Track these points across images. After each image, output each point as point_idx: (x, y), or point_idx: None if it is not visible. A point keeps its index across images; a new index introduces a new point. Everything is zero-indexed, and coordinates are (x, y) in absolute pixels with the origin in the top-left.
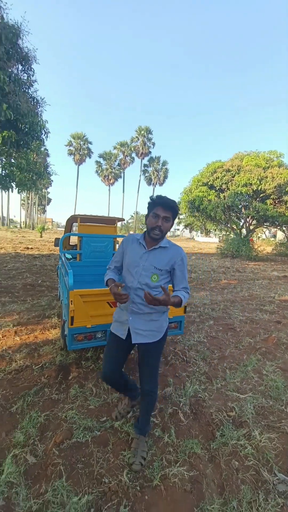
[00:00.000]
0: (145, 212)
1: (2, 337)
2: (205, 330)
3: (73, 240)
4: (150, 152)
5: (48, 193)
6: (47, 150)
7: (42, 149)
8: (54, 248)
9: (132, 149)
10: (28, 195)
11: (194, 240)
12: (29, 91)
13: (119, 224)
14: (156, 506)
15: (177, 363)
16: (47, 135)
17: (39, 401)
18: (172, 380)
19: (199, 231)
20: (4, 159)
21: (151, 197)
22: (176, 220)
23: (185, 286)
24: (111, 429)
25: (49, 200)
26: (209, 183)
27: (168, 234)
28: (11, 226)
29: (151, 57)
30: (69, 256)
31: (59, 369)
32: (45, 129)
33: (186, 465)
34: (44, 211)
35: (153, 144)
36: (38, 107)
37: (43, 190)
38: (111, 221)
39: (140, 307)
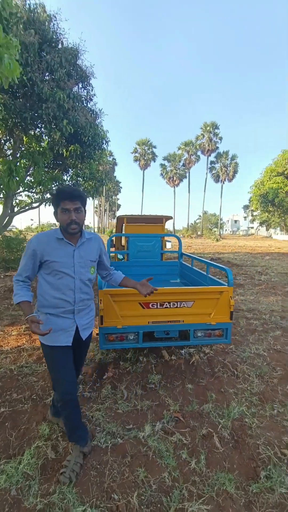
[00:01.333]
0: (213, 211)
1: None
2: (268, 342)
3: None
4: (217, 148)
5: (118, 199)
6: (115, 159)
7: (110, 158)
8: None
9: (198, 147)
10: (99, 203)
11: (272, 238)
12: (89, 105)
13: (181, 225)
14: None
15: (225, 376)
16: (107, 144)
17: None
18: (214, 396)
19: (278, 228)
20: (71, 171)
21: (51, 193)
22: (249, 217)
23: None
24: (134, 439)
25: (119, 206)
26: (285, 172)
27: (241, 232)
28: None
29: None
30: (120, 256)
31: (97, 367)
32: (105, 139)
33: (212, 504)
34: (114, 216)
35: (220, 139)
36: (97, 118)
37: (113, 197)
38: (158, 220)
39: (85, 303)
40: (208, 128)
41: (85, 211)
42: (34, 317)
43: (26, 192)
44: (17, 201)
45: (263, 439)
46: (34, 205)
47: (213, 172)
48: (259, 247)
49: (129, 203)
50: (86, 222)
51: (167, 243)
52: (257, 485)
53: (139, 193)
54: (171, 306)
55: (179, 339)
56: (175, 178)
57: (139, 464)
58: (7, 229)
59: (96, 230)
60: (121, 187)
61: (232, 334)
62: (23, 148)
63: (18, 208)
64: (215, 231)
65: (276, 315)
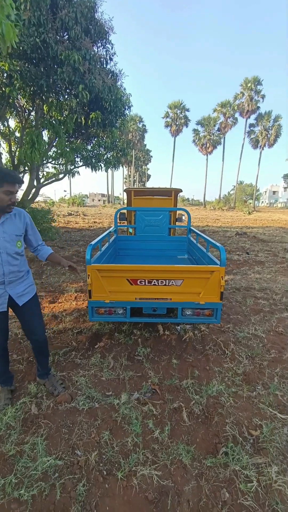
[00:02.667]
0: (250, 181)
1: (64, 300)
2: (271, 323)
3: None
4: (258, 108)
5: (148, 169)
6: (145, 126)
7: (140, 125)
8: None
9: (236, 108)
10: (129, 173)
11: None
12: (108, 66)
13: (213, 196)
14: (111, 499)
15: (214, 355)
16: (130, 109)
17: (63, 361)
18: (197, 373)
19: None
20: (94, 141)
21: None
22: None
23: (42, 241)
24: (109, 405)
25: (149, 176)
26: None
27: (279, 205)
28: (115, 203)
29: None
30: (131, 230)
31: (92, 336)
32: (127, 103)
33: (164, 471)
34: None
35: (263, 97)
36: (118, 80)
37: (143, 166)
38: (167, 193)
39: (16, 274)
40: (249, 84)
41: None
42: None
43: (52, 164)
44: (44, 173)
45: (232, 418)
46: (60, 176)
47: (252, 136)
48: None
49: (160, 173)
50: (116, 193)
51: (182, 217)
52: (213, 460)
53: (169, 162)
54: (159, 284)
55: (167, 316)
56: (208, 144)
57: (107, 427)
58: (38, 199)
59: (126, 202)
60: (151, 156)
61: (235, 313)
62: (43, 118)
63: (44, 179)
64: (249, 203)
65: None
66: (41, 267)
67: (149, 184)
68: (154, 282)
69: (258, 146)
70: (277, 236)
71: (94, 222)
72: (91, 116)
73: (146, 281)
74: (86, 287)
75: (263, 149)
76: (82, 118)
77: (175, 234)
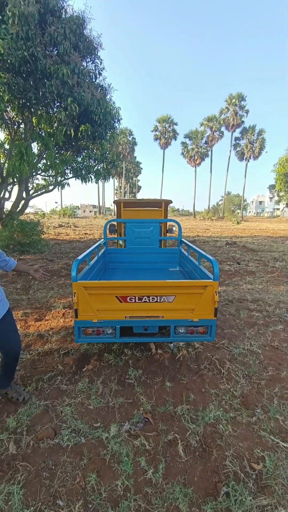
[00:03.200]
0: (237, 191)
1: (51, 318)
2: (266, 337)
3: None
4: (242, 123)
5: (138, 180)
6: (134, 139)
7: (130, 138)
8: None
9: (221, 122)
10: (120, 184)
11: None
12: (97, 81)
13: (202, 207)
14: None
15: (209, 374)
16: (119, 123)
17: (47, 388)
18: (193, 396)
19: None
20: (84, 153)
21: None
22: (275, 198)
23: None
24: (97, 440)
25: (139, 188)
26: None
27: (266, 214)
28: (106, 214)
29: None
30: (121, 242)
31: (79, 358)
32: (117, 117)
33: None
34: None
35: (247, 112)
36: (107, 94)
37: (133, 178)
38: (157, 204)
39: None
40: (233, 100)
41: None
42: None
43: (42, 175)
44: (34, 184)
45: (232, 450)
46: (50, 188)
47: (238, 149)
48: (283, 230)
49: (150, 185)
50: (107, 205)
51: (173, 228)
52: (213, 504)
53: (159, 174)
54: (151, 301)
55: (159, 335)
56: (196, 157)
57: (94, 468)
58: (29, 211)
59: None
60: (141, 168)
61: (229, 327)
62: (32, 130)
63: (33, 191)
64: (237, 212)
65: (282, 306)
66: (28, 281)
67: (140, 195)
68: (145, 298)
69: (244, 158)
70: (266, 245)
71: (85, 233)
72: (81, 128)
73: (137, 297)
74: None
75: (248, 161)
76: (72, 131)
77: (166, 245)
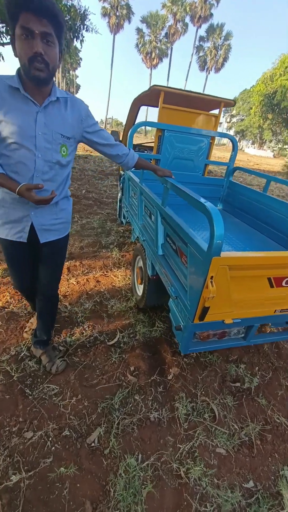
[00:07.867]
0: None
1: None
2: None
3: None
4: (211, 16)
5: (77, 76)
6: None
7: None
8: (88, 147)
9: (188, 9)
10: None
11: (244, 151)
12: None
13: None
14: None
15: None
16: None
17: (127, 427)
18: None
19: (251, 141)
20: None
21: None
22: (226, 124)
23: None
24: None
25: (78, 87)
26: None
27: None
28: None
29: None
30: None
31: (148, 351)
32: None
33: None
34: None
35: (217, 1)
36: None
37: (71, 72)
38: (213, 105)
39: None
40: None
41: (60, 44)
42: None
43: None
44: None
45: None
46: None
47: (200, 54)
48: (237, 161)
49: (92, 84)
50: None
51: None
52: None
53: (105, 70)
54: None
55: None
56: (153, 54)
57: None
58: None
59: None
60: (81, 59)
61: None
62: None
63: None
64: None
65: None
66: None
67: (79, 97)
68: None
69: (205, 68)
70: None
71: None
72: None
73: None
74: (76, 250)
75: (209, 72)
76: None
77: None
